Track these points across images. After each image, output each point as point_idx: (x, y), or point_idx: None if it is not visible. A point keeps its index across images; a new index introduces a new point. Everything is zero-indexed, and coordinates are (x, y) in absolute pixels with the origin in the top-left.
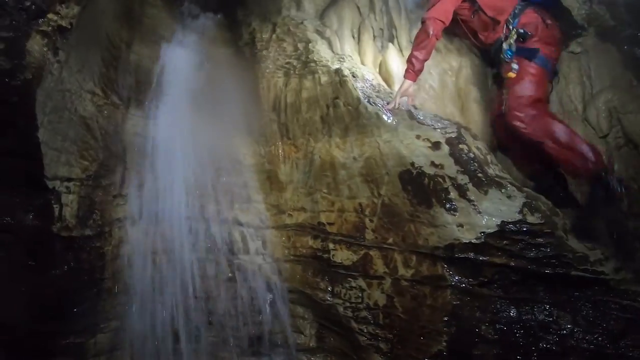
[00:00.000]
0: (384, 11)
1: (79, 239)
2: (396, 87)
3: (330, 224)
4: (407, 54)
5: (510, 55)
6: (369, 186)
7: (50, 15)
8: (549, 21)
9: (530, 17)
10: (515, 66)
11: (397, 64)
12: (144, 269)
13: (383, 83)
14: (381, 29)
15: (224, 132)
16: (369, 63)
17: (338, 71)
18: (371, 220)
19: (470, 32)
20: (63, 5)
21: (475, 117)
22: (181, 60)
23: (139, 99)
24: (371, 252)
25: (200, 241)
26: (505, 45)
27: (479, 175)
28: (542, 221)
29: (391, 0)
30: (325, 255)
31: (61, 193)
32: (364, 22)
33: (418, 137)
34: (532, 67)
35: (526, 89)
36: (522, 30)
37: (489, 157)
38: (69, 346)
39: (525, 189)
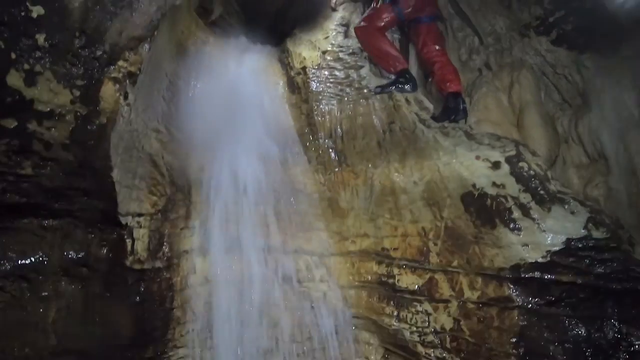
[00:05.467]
0: None
1: (149, 270)
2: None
3: (394, 249)
4: None
5: None
6: (431, 209)
7: (120, 63)
8: None
9: None
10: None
11: None
12: (211, 299)
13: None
14: None
15: (284, 162)
16: (420, 85)
17: (391, 96)
18: (435, 244)
19: None
20: (131, 52)
21: (532, 133)
22: (235, 93)
23: (200, 133)
24: (436, 276)
25: (266, 270)
26: None
27: (541, 192)
28: (608, 235)
29: None
30: (390, 281)
31: (133, 228)
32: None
33: (477, 157)
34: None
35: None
36: None
37: (549, 173)
38: None
39: (588, 202)
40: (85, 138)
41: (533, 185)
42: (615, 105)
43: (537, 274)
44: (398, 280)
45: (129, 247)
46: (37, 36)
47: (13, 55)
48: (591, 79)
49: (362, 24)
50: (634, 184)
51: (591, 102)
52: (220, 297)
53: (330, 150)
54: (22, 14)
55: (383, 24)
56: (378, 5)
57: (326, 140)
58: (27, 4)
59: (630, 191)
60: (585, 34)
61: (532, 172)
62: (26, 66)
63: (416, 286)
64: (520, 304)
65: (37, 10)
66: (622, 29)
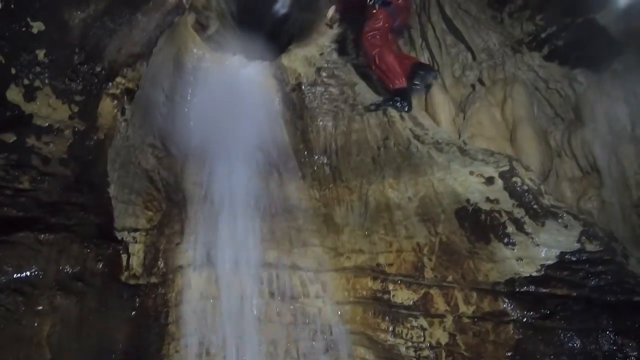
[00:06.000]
0: (424, 47)
1: (145, 286)
2: (444, 125)
3: (389, 264)
4: (451, 89)
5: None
6: (426, 225)
7: (118, 79)
8: None
9: None
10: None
11: (442, 100)
12: (206, 314)
13: (431, 121)
14: None
15: (279, 178)
16: (414, 101)
17: (386, 112)
18: (430, 259)
19: None
20: (130, 69)
21: (526, 147)
22: (231, 108)
23: (195, 149)
24: (431, 291)
25: (261, 286)
26: None
27: (535, 207)
28: (602, 248)
29: (430, 36)
30: (386, 296)
31: (129, 243)
32: None
33: (471, 173)
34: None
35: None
36: None
37: (542, 187)
38: None
39: (582, 216)
40: (83, 153)
41: (526, 199)
42: (608, 118)
43: (531, 288)
44: (393, 296)
45: (124, 262)
46: (37, 52)
47: (13, 71)
48: (583, 93)
49: (371, 34)
50: (627, 196)
51: (583, 116)
52: (215, 312)
53: (325, 166)
54: (23, 29)
55: (389, 33)
56: (376, 10)
57: (321, 157)
58: (28, 19)
59: (623, 203)
60: (576, 49)
61: (525, 187)
62: (26, 81)
63: (411, 301)
64: (515, 317)
65: (37, 26)
66: (613, 44)
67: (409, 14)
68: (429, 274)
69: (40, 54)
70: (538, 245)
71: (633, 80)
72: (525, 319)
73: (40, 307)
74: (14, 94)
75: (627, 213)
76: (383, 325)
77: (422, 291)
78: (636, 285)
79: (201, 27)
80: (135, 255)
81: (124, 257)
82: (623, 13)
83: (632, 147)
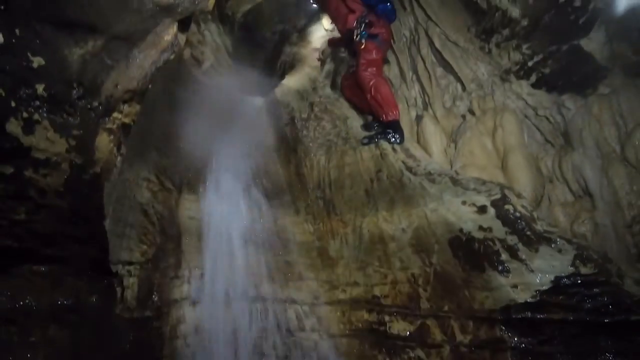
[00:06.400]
0: (414, 80)
1: (139, 319)
2: (436, 155)
3: (384, 296)
4: (442, 120)
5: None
6: (420, 256)
7: (115, 114)
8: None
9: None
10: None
11: (433, 131)
12: (201, 349)
13: (423, 152)
14: (414, 98)
15: (273, 212)
16: (406, 133)
17: (378, 145)
18: (425, 290)
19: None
20: (126, 104)
21: (517, 175)
22: (227, 144)
23: (190, 183)
24: (427, 321)
25: (256, 320)
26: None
27: (528, 233)
28: (596, 270)
29: (420, 69)
30: (382, 328)
31: (123, 276)
32: (397, 93)
33: (464, 202)
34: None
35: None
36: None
37: (535, 214)
38: None
39: (575, 239)
40: (79, 187)
41: (519, 227)
42: (597, 142)
43: (528, 314)
44: (389, 328)
45: (118, 295)
46: (36, 86)
47: (13, 104)
48: (572, 119)
49: (367, 66)
50: (619, 217)
51: (573, 141)
52: (210, 346)
53: (319, 199)
54: (24, 64)
55: (382, 64)
56: (364, 44)
57: (315, 190)
58: (29, 54)
59: (616, 224)
60: (563, 76)
61: (517, 214)
62: (25, 114)
63: (408, 332)
64: (512, 344)
65: (37, 61)
66: (598, 68)
67: (389, 47)
68: (424, 304)
69: (40, 88)
70: (532, 271)
71: (619, 102)
72: (522, 345)
73: (34, 339)
74: (13, 127)
75: (620, 233)
76: (380, 357)
77: (419, 322)
78: (633, 305)
79: (196, 61)
80: (130, 289)
81: (119, 290)
82: (606, 38)
83: (622, 167)
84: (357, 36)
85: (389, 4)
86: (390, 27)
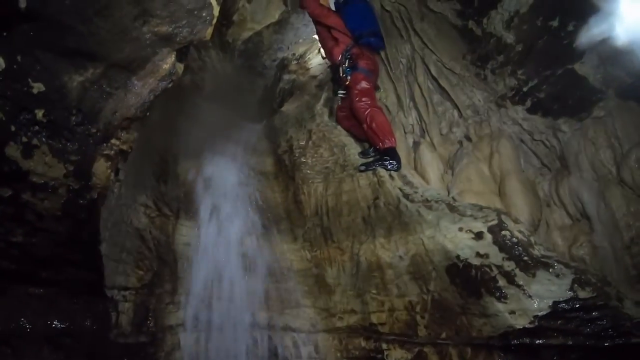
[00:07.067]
0: (411, 107)
1: (134, 345)
2: (433, 182)
3: (381, 324)
4: (439, 147)
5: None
6: (418, 283)
7: (113, 141)
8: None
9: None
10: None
11: (430, 158)
12: None
13: (420, 179)
14: (411, 125)
15: (271, 239)
16: (403, 160)
17: (375, 172)
18: (422, 317)
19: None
20: (124, 132)
21: (514, 200)
22: (225, 170)
23: (187, 209)
24: (425, 349)
25: (252, 348)
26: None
27: (525, 258)
28: (595, 294)
29: (417, 96)
30: (379, 356)
31: (118, 301)
32: (394, 120)
33: (461, 229)
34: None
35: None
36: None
37: (532, 239)
38: None
39: (573, 263)
40: (76, 211)
41: (516, 252)
42: (593, 164)
43: (526, 340)
44: (387, 355)
45: (113, 320)
46: (36, 111)
47: (13, 128)
48: (568, 142)
49: (360, 96)
50: (618, 238)
51: (570, 164)
52: None
53: (317, 227)
54: (24, 89)
55: (374, 92)
56: (349, 81)
57: (312, 218)
58: (29, 80)
59: (615, 246)
60: (558, 100)
61: (514, 240)
62: (24, 139)
63: None
64: None
65: (38, 87)
66: (592, 92)
67: (377, 75)
68: (422, 332)
69: (39, 113)
70: (530, 296)
71: (614, 124)
72: None
73: None
74: (12, 151)
75: (619, 255)
76: None
77: (416, 349)
78: (633, 327)
79: (196, 87)
80: (125, 314)
81: (114, 315)
82: (599, 61)
83: (619, 189)
84: (342, 73)
85: (372, 38)
86: (375, 58)
